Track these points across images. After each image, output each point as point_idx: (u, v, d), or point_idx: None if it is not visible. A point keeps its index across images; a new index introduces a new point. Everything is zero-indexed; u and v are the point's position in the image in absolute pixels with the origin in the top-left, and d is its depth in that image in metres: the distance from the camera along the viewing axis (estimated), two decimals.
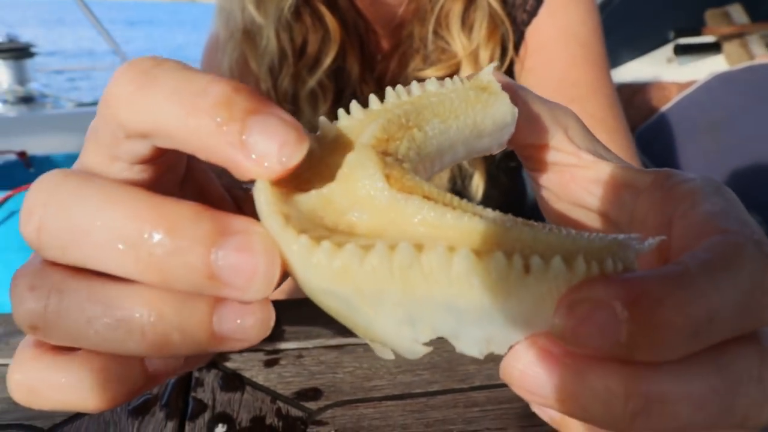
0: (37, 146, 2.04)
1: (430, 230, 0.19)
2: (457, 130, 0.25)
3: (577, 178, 0.32)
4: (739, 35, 2.40)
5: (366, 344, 0.51)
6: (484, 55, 0.81)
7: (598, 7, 2.45)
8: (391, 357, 0.22)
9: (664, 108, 1.93)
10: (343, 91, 0.86)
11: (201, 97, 0.21)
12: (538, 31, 0.83)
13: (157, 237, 0.20)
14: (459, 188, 0.89)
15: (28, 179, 1.87)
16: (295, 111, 0.88)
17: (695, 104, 1.86)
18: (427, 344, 0.20)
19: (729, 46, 2.42)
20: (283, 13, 0.81)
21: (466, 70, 0.81)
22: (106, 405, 0.23)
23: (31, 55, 2.53)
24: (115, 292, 0.22)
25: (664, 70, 2.48)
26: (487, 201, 0.90)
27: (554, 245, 0.19)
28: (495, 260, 0.18)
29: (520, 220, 0.21)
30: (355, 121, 0.24)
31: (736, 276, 0.20)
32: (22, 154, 1.95)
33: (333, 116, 0.25)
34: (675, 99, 1.93)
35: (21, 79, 2.49)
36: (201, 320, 0.21)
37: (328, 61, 0.82)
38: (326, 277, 0.19)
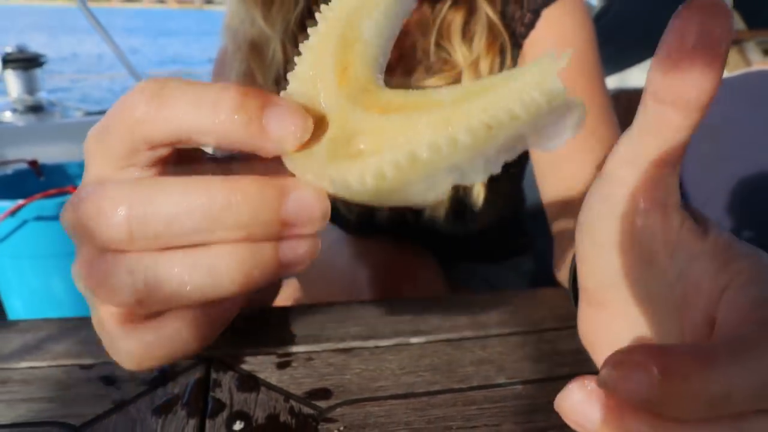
0: (47, 155, 2.08)
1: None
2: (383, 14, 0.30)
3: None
4: (737, 42, 2.43)
5: (371, 348, 0.55)
6: (484, 65, 0.85)
7: (595, 16, 2.47)
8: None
9: None
10: None
11: (218, 106, 0.26)
12: (535, 43, 0.87)
13: (238, 209, 0.26)
14: (461, 195, 0.93)
15: (39, 188, 1.90)
16: None
17: None
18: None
19: None
20: (290, 25, 0.85)
21: (466, 79, 0.85)
22: (203, 344, 0.30)
23: (40, 64, 2.56)
24: (202, 255, 0.27)
25: None
26: (488, 207, 0.94)
27: (489, 103, 0.25)
28: (465, 134, 0.25)
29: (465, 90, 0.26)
30: (317, 58, 0.29)
31: (760, 362, 0.24)
32: (33, 163, 1.99)
33: None
34: None
35: (30, 88, 2.53)
36: (271, 256, 0.28)
37: None
38: (362, 197, 0.27)
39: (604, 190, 0.33)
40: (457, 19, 0.85)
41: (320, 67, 0.28)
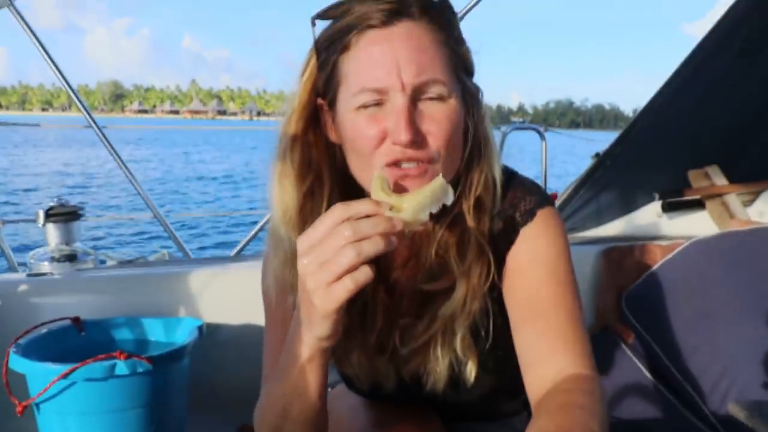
0: (87, 307, 2.23)
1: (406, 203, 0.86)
2: None
3: None
4: (719, 195, 2.64)
5: None
6: (474, 273, 1.01)
7: (588, 176, 2.66)
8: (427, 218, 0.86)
9: (649, 272, 2.12)
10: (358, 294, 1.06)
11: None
12: (515, 256, 1.04)
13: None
14: (456, 372, 1.07)
15: (80, 342, 2.06)
16: None
17: (675, 270, 2.06)
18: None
19: (711, 204, 2.66)
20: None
21: (460, 286, 1.01)
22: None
23: (78, 217, 2.74)
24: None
25: (654, 225, 2.71)
26: (479, 381, 1.09)
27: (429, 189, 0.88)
28: (426, 196, 0.86)
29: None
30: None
31: None
32: (76, 320, 2.13)
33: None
34: (658, 263, 2.12)
35: (68, 239, 2.68)
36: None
37: None
38: (408, 217, 0.84)
39: None
40: (452, 238, 1.02)
41: (380, 194, 0.86)
